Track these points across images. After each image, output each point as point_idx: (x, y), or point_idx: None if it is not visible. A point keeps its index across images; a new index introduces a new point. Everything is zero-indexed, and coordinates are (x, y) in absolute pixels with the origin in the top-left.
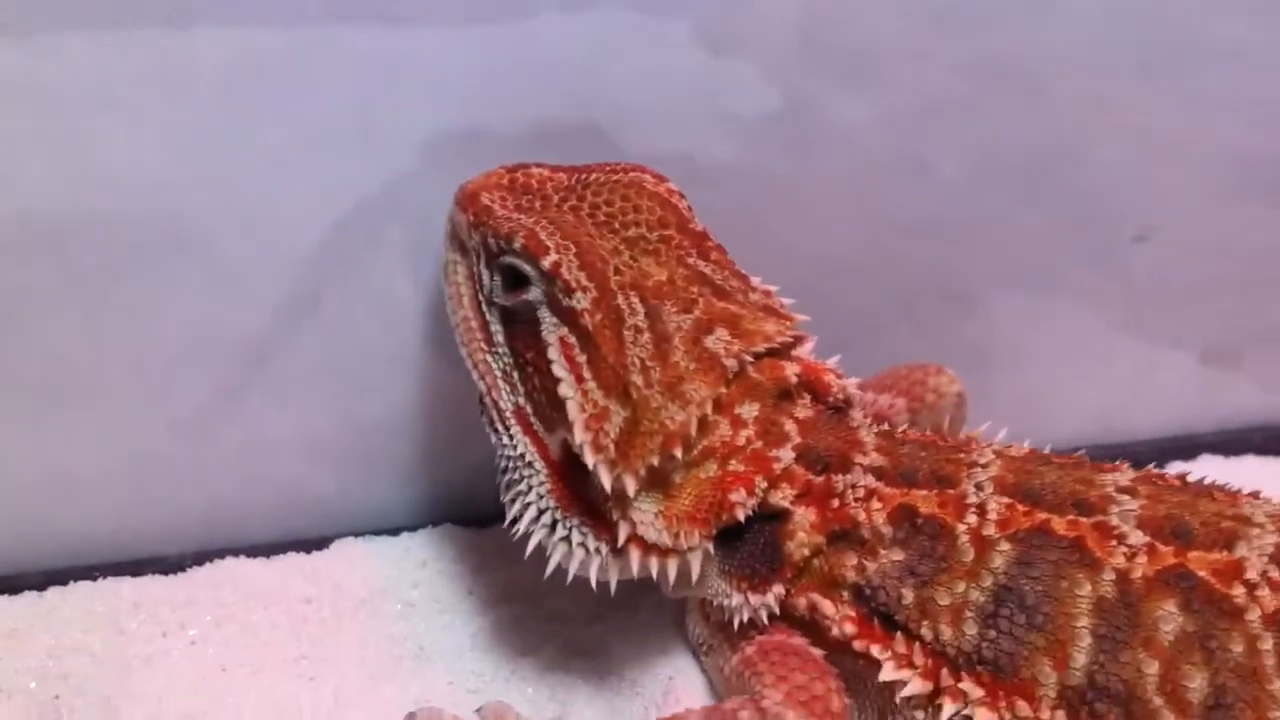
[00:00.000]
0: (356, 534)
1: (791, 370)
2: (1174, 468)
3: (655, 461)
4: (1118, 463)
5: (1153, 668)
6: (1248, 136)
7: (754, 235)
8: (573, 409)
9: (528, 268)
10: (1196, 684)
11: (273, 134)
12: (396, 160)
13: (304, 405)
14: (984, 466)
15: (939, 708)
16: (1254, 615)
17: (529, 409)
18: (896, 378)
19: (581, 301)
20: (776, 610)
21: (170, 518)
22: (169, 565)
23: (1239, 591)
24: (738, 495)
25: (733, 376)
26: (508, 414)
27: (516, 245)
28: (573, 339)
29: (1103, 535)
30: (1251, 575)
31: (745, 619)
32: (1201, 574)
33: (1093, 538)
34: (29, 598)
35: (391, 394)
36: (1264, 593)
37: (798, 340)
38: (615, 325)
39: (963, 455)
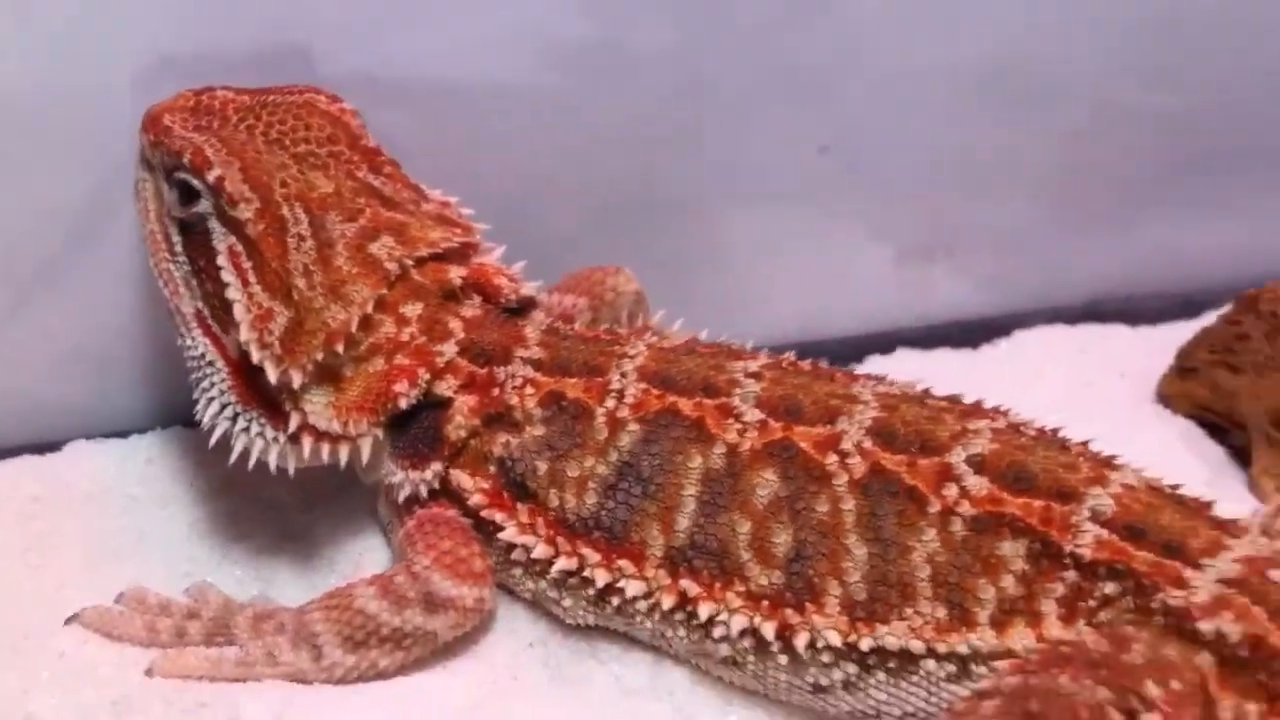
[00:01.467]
0: (89, 437)
1: (456, 273)
2: (872, 362)
3: (320, 357)
4: (760, 351)
5: (745, 527)
6: (931, 48)
7: (456, 152)
8: (239, 310)
9: (196, 182)
10: (782, 540)
11: None
12: (115, 79)
13: (38, 316)
14: (632, 357)
15: (556, 565)
16: (841, 480)
17: (206, 312)
18: (579, 279)
19: (245, 212)
20: (436, 485)
21: None
22: None
23: (832, 460)
24: (401, 386)
25: (395, 279)
26: (189, 318)
27: (185, 161)
28: (240, 247)
29: (722, 414)
30: (846, 445)
31: (408, 495)
32: (802, 445)
33: (713, 417)
34: None
35: (120, 304)
36: (854, 460)
37: (469, 247)
38: (279, 234)
39: (616, 348)
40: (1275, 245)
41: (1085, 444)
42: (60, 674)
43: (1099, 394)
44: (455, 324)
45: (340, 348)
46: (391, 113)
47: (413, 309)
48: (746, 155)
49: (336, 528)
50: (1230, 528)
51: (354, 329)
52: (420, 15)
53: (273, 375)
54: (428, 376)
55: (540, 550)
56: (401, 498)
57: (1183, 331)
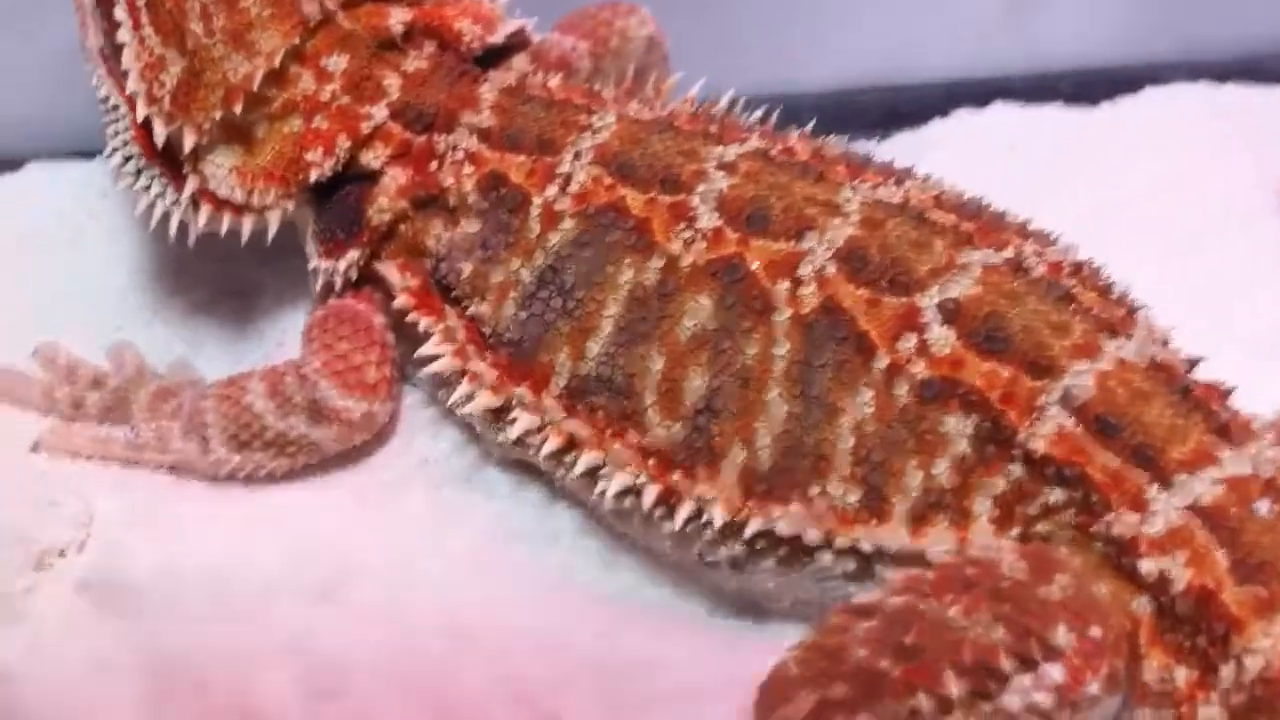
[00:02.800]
0: (52, 155)
1: (398, 17)
2: (959, 118)
3: (217, 115)
4: (760, 129)
5: (659, 364)
6: None
7: None
8: (128, 56)
9: None
10: (694, 385)
11: None
12: None
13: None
14: (595, 131)
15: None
16: (784, 316)
17: (109, 52)
18: (584, 17)
19: None
20: (352, 276)
21: None
22: None
23: (782, 288)
24: (313, 154)
25: (316, 25)
26: (93, 53)
27: None
28: None
29: (674, 217)
30: (805, 270)
31: (323, 283)
32: (753, 266)
33: (661, 220)
34: None
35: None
36: (808, 290)
37: None
38: None
39: (582, 118)
40: None
41: (1105, 287)
42: None
43: (1220, 176)
44: (391, 80)
45: (239, 107)
46: None
47: (336, 62)
48: None
49: (280, 294)
50: (1236, 431)
51: (258, 85)
52: None
53: (160, 134)
54: (348, 144)
55: (445, 363)
56: (317, 286)
57: None
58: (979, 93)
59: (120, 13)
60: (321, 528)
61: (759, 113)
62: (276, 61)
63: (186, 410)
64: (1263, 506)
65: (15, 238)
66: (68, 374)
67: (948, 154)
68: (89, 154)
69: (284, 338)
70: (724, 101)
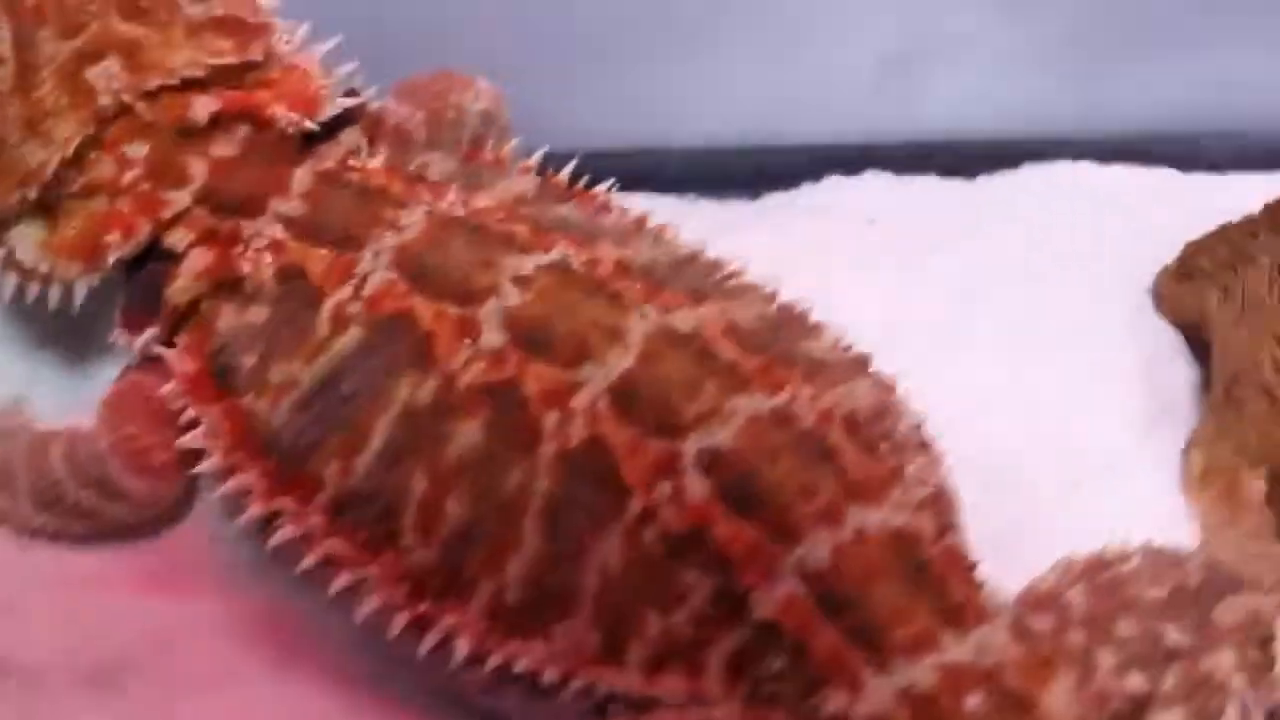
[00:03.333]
0: None
1: (203, 107)
2: (831, 184)
3: (14, 199)
4: (586, 224)
5: (421, 487)
6: None
7: None
8: None
9: None
10: (452, 512)
11: None
12: None
13: None
14: (400, 230)
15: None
16: (548, 450)
17: None
18: (419, 87)
19: None
20: (150, 353)
21: None
22: None
23: (552, 419)
24: (112, 237)
25: (112, 114)
26: None
27: None
28: None
29: (460, 332)
30: (577, 402)
31: (128, 357)
32: (527, 392)
33: (446, 334)
34: None
35: None
36: (575, 425)
37: (244, 67)
38: None
39: (390, 212)
40: None
41: (880, 439)
42: None
43: (1087, 265)
44: (197, 166)
45: (33, 192)
46: None
47: (137, 149)
48: None
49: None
50: (965, 613)
51: (51, 172)
52: None
53: None
54: (149, 227)
55: (214, 460)
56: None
57: (1248, 189)
58: (853, 159)
59: None
60: (108, 606)
61: (606, 184)
62: (70, 150)
63: (1, 459)
64: (974, 701)
65: None
66: None
67: (815, 224)
68: None
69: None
70: (565, 171)
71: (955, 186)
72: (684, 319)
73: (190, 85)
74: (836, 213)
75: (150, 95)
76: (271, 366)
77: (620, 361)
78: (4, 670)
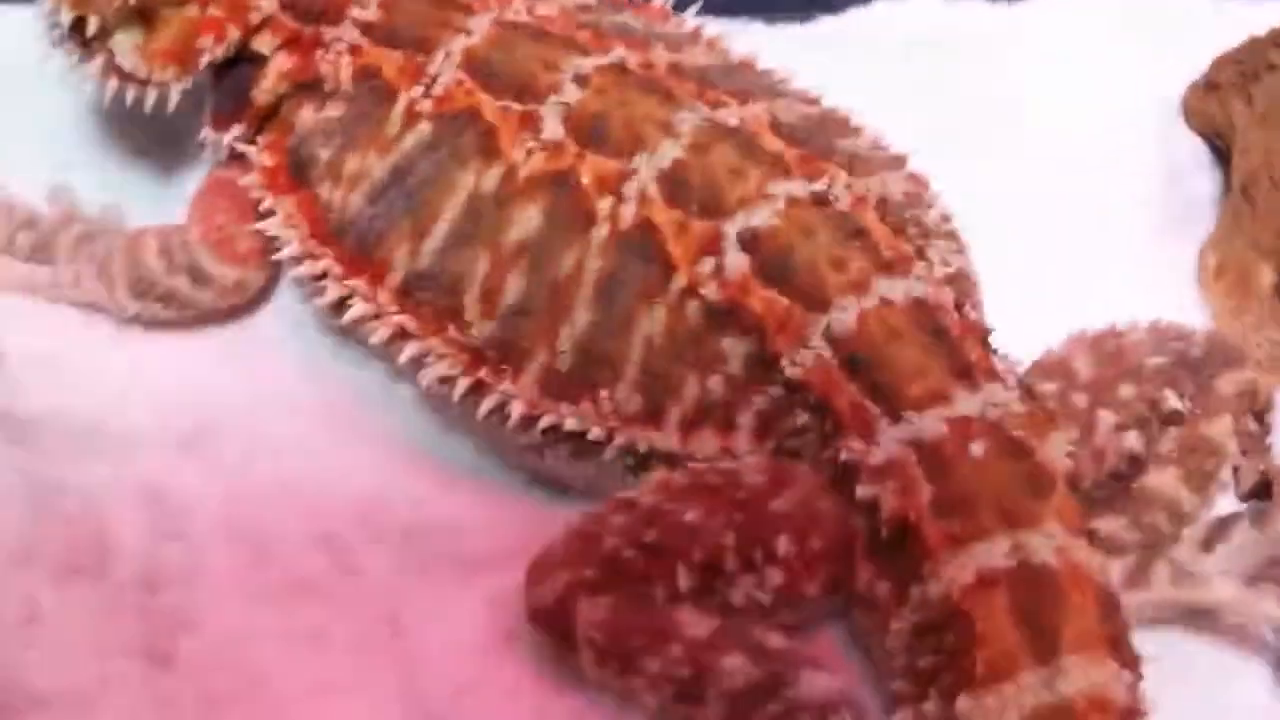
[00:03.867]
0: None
1: None
2: (878, 8)
3: (116, 4)
4: (635, 33)
5: (483, 267)
6: None
7: None
8: None
9: None
10: (512, 288)
11: None
12: None
13: None
14: (469, 34)
15: (302, 267)
16: (601, 232)
17: None
18: None
19: None
20: (236, 149)
21: None
22: None
23: (605, 205)
24: (204, 41)
25: None
26: None
27: None
28: None
29: (522, 126)
30: (629, 189)
31: (211, 153)
32: (584, 180)
33: (510, 129)
34: None
35: None
36: (627, 209)
37: None
38: None
39: (460, 17)
40: None
41: (908, 223)
42: None
43: (1121, 82)
44: None
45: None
46: None
47: None
48: None
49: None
50: (975, 373)
51: None
52: None
53: (65, 15)
54: (238, 33)
55: (293, 249)
56: (208, 154)
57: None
58: None
59: None
60: (195, 381)
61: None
62: None
63: (99, 256)
64: (978, 448)
65: None
66: (5, 213)
67: (861, 49)
68: None
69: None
70: None
71: (1000, 10)
72: (731, 114)
73: None
74: (885, 37)
75: None
76: (346, 159)
77: (670, 151)
78: (104, 432)
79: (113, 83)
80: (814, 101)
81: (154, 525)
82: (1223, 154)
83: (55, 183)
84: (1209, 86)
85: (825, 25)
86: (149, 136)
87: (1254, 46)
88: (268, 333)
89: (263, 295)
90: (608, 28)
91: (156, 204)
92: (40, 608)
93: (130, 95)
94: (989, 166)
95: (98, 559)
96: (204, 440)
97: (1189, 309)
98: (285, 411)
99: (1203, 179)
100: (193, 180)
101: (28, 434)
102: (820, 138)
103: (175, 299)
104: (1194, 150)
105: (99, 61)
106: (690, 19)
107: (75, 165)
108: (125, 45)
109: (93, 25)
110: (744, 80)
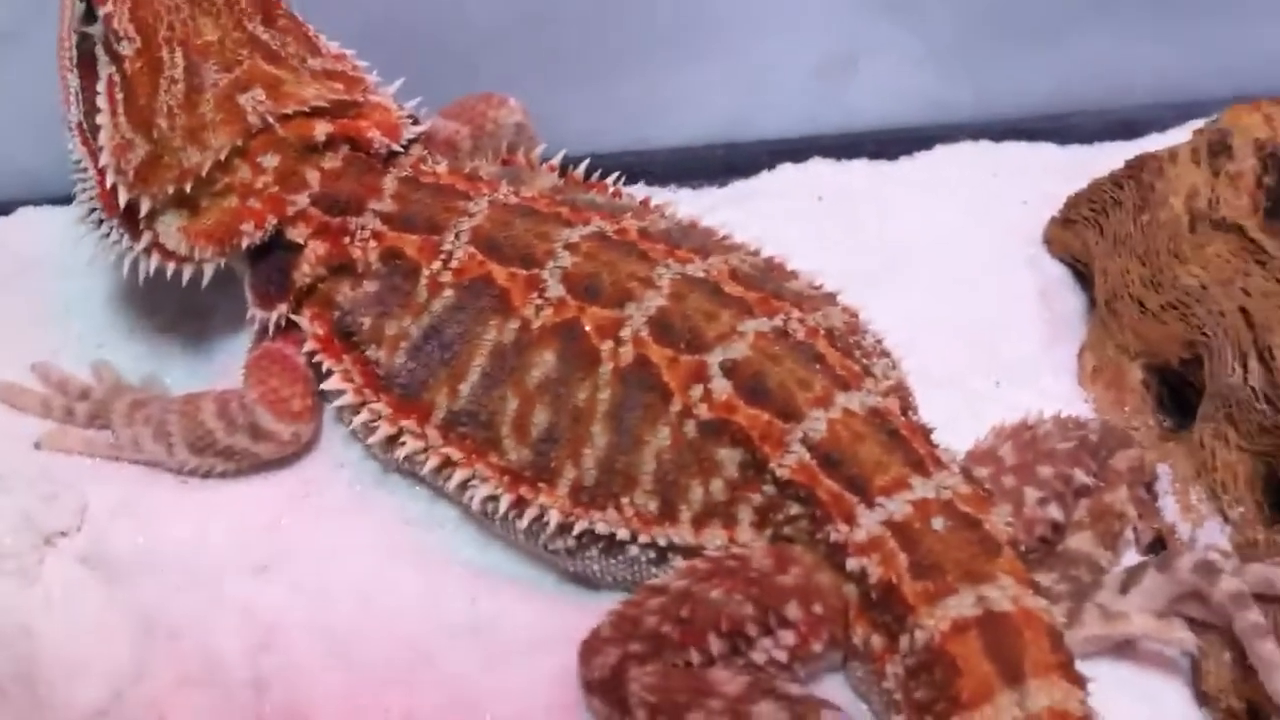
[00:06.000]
0: (36, 203)
1: (321, 129)
2: (784, 172)
3: (170, 191)
4: (598, 210)
5: (513, 404)
6: None
7: None
8: (104, 136)
9: (95, 10)
10: (539, 420)
11: None
12: None
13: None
14: (472, 216)
15: (359, 414)
16: (607, 369)
17: (86, 126)
18: (465, 107)
19: (127, 49)
20: (281, 324)
21: None
22: None
23: (607, 346)
24: (246, 227)
25: (256, 131)
26: (73, 126)
27: None
28: (117, 78)
29: (529, 288)
30: (625, 333)
31: (259, 326)
32: (587, 327)
33: (519, 290)
34: None
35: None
36: (625, 349)
37: (348, 103)
38: (153, 74)
39: (461, 203)
40: (1229, 65)
41: (853, 348)
42: None
43: (991, 221)
44: (313, 175)
45: (189, 186)
46: None
47: (270, 160)
48: None
49: (228, 317)
50: (926, 464)
51: (205, 172)
52: None
53: (122, 199)
54: (275, 223)
55: (349, 399)
56: (254, 329)
57: (1115, 155)
58: (800, 149)
59: (101, 101)
60: (262, 516)
61: (612, 177)
62: (222, 156)
63: (155, 420)
64: (938, 523)
65: (10, 271)
66: (60, 387)
67: (773, 204)
68: (70, 200)
69: (230, 364)
70: (580, 169)
71: (882, 166)
72: (697, 268)
73: (313, 113)
74: (791, 193)
75: (285, 118)
76: (385, 324)
77: (655, 301)
78: (189, 565)
79: (155, 260)
80: (755, 252)
81: (249, 639)
82: (1083, 275)
83: (95, 359)
84: (1065, 222)
85: (739, 187)
86: (175, 313)
87: (1100, 187)
88: (317, 471)
89: (309, 445)
90: (581, 204)
91: (190, 373)
92: (166, 712)
93: (170, 271)
94: (891, 296)
95: (207, 669)
96: (278, 564)
97: (1076, 402)
98: (344, 534)
99: (1069, 296)
100: (221, 349)
101: (121, 573)
102: (770, 282)
103: (235, 453)
104: (1060, 273)
105: (144, 240)
106: (636, 191)
107: (110, 343)
108: (170, 226)
109: (145, 207)
110: (698, 238)
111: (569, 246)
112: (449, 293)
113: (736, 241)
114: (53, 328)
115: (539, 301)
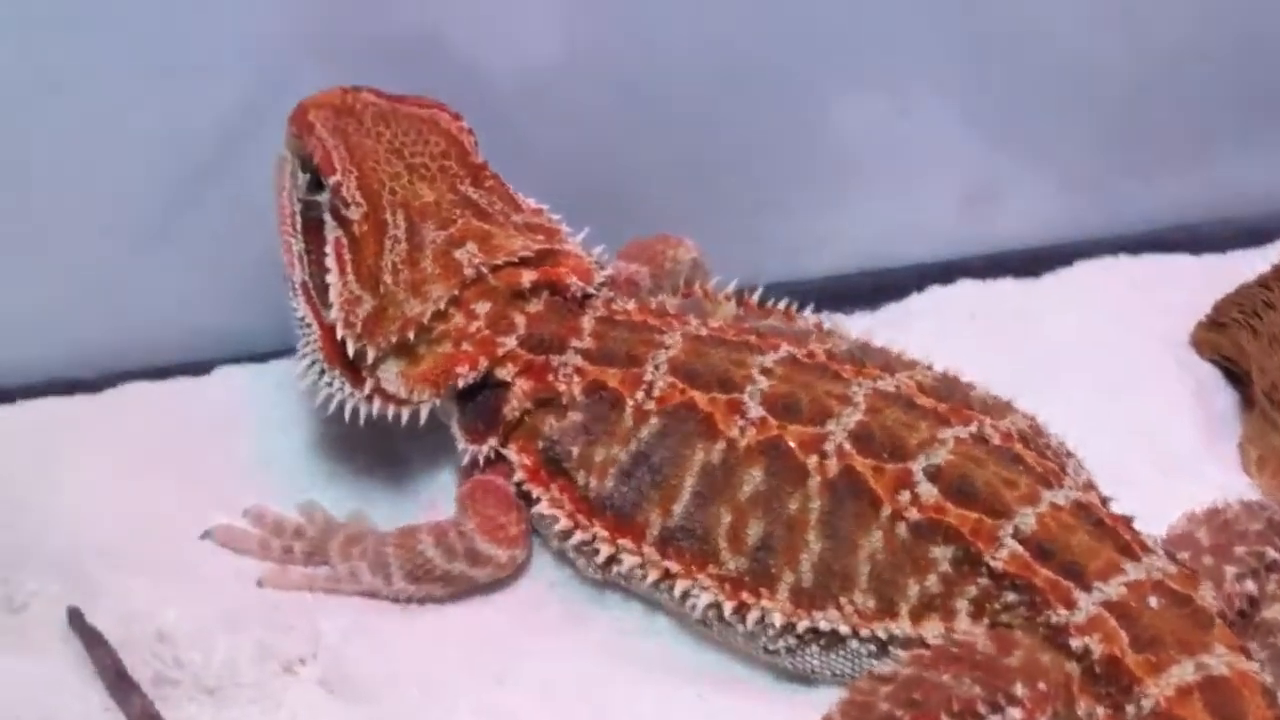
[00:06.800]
0: (235, 359)
1: (527, 277)
2: (932, 292)
3: (394, 339)
4: (785, 335)
5: (727, 518)
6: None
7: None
8: (333, 294)
9: (321, 180)
10: (753, 531)
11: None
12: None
13: (196, 258)
14: (668, 348)
15: (572, 537)
16: (815, 481)
17: (311, 285)
18: (643, 247)
19: (354, 214)
20: (492, 457)
21: (96, 346)
22: (89, 387)
23: (813, 460)
24: (461, 369)
25: (471, 281)
26: (297, 286)
27: (316, 162)
28: (345, 240)
29: (730, 411)
30: (828, 447)
31: (468, 461)
32: (791, 444)
33: (722, 413)
34: None
35: (261, 252)
36: (830, 462)
37: (547, 252)
38: (379, 235)
39: (656, 337)
40: None
41: (1045, 449)
42: (189, 586)
43: (1136, 328)
44: (519, 319)
45: (412, 334)
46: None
47: (482, 306)
48: (817, 106)
49: (424, 463)
50: (1134, 549)
51: (426, 320)
52: None
53: (351, 350)
54: (487, 363)
55: (563, 524)
56: (463, 462)
57: (1247, 262)
58: (947, 271)
59: (330, 262)
60: (486, 633)
61: (783, 303)
62: (441, 305)
63: (371, 553)
64: (1153, 601)
65: (211, 427)
66: (275, 528)
67: (926, 323)
68: (262, 357)
69: (434, 499)
70: (755, 295)
71: (1027, 283)
72: (887, 383)
73: (520, 263)
74: (943, 312)
75: (496, 269)
76: (594, 452)
77: (853, 416)
78: (429, 679)
79: (377, 404)
80: (930, 367)
81: None
82: (1233, 373)
83: (302, 500)
84: (1214, 324)
85: (892, 310)
86: (372, 457)
87: (1249, 290)
88: (532, 592)
89: (519, 569)
90: (766, 330)
91: (395, 509)
92: None
93: (390, 414)
94: (1052, 403)
95: None
96: (513, 676)
97: (1245, 490)
98: (567, 647)
99: (1222, 393)
100: (425, 486)
101: (362, 693)
102: (956, 393)
103: (452, 579)
104: (1210, 373)
105: (368, 387)
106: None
107: (313, 488)
108: (391, 372)
109: (370, 356)
110: (879, 357)
111: (764, 371)
112: (654, 420)
113: (911, 359)
114: (257, 477)
115: (742, 423)
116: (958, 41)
